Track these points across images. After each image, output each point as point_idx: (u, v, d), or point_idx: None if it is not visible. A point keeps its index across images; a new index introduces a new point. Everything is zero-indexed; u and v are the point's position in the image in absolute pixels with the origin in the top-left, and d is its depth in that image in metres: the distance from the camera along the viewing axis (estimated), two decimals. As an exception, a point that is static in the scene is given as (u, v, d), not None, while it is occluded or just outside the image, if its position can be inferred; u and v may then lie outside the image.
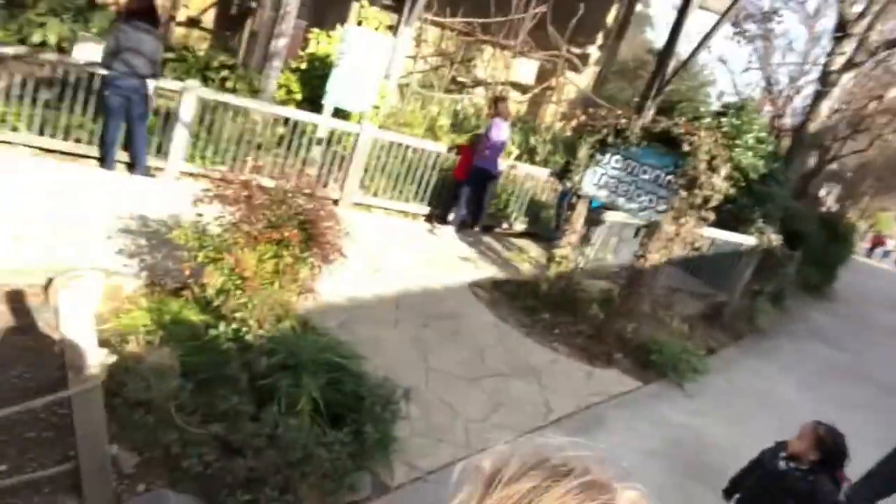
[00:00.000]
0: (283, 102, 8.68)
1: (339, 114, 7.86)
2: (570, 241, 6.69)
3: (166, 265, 4.77)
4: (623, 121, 6.45)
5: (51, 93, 6.44)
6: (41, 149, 6.28)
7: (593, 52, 13.72)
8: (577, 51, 12.89)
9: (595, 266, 7.65)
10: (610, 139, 6.48)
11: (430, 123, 9.83)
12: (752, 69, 18.29)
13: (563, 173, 6.93)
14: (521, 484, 0.63)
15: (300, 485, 3.27)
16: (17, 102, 6.25)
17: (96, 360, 2.93)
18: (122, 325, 4.10)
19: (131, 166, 6.51)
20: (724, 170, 5.98)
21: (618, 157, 6.49)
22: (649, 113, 10.11)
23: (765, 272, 8.65)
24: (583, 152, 6.62)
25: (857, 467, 3.60)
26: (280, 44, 9.06)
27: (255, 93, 8.85)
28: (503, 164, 8.26)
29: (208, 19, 10.72)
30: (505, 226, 8.70)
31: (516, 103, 12.55)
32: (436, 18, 11.31)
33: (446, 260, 6.93)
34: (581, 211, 6.74)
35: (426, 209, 8.07)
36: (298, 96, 8.92)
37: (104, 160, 6.43)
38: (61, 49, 7.47)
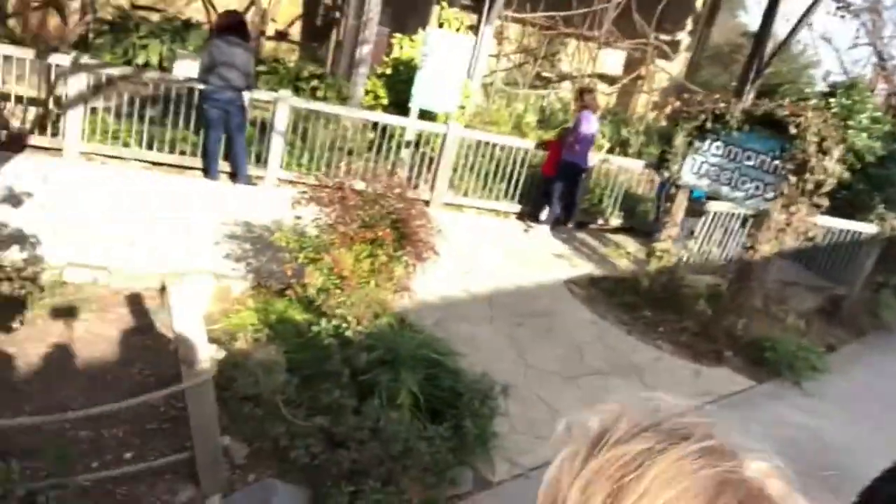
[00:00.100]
0: (371, 108, 8.84)
1: (426, 115, 7.93)
2: (671, 233, 6.42)
3: (270, 268, 4.93)
4: (722, 105, 6.13)
5: (155, 109, 6.82)
6: (150, 162, 6.66)
7: (683, 38, 13.22)
8: (665, 38, 12.46)
9: (699, 260, 7.31)
10: (708, 125, 6.17)
11: (517, 121, 9.75)
12: (861, 45, 17.04)
13: (659, 163, 6.65)
14: (631, 445, 0.56)
15: (402, 477, 3.27)
16: (126, 120, 6.66)
17: (207, 355, 3.05)
18: (231, 325, 4.27)
19: (233, 175, 6.79)
20: (837, 152, 5.56)
21: (718, 143, 6.17)
22: (749, 97, 9.62)
23: (888, 262, 7.99)
24: (679, 140, 6.34)
25: None
26: (364, 51, 9.26)
27: (343, 100, 9.07)
28: (594, 158, 8.06)
29: (295, 32, 11.08)
30: (600, 222, 8.48)
31: (604, 95, 12.25)
32: (516, 15, 11.22)
33: (540, 257, 6.82)
34: (681, 202, 6.45)
35: (517, 207, 7.98)
36: (385, 101, 9.07)
37: (208, 171, 6.74)
38: (162, 68, 7.93)
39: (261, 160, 6.98)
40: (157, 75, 7.01)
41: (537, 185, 7.87)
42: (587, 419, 0.60)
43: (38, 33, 8.92)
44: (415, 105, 7.57)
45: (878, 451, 3.27)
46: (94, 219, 5.17)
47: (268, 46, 10.52)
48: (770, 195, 5.72)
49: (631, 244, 7.90)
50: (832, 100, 9.67)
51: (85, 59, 6.35)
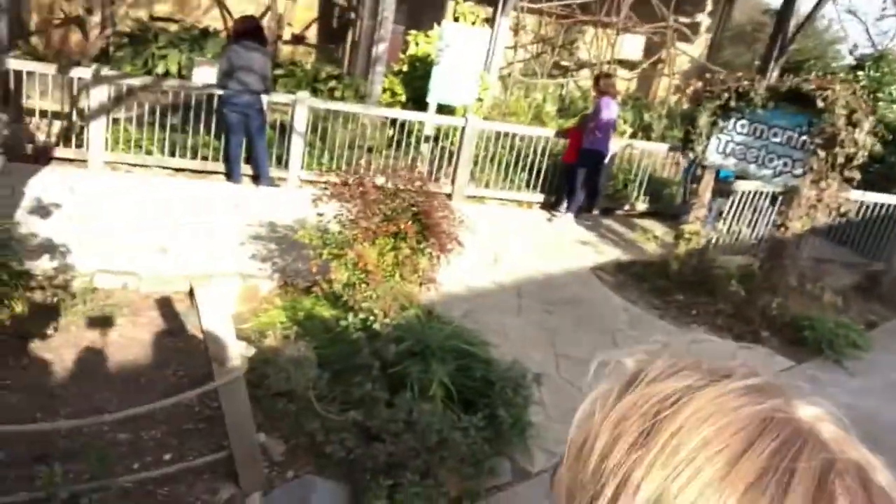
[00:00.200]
0: (389, 105, 8.84)
1: (444, 110, 7.90)
2: (699, 215, 6.30)
3: (296, 266, 4.94)
4: (745, 83, 5.99)
5: (176, 117, 6.89)
6: (173, 169, 6.72)
7: (703, 19, 13.01)
8: (685, 20, 12.27)
9: (729, 240, 7.17)
10: (732, 103, 6.04)
11: (536, 111, 9.67)
12: (889, 16, 16.61)
13: (684, 145, 6.52)
14: (668, 383, 0.52)
15: (439, 469, 3.24)
16: (148, 128, 6.74)
17: (237, 353, 3.06)
18: (260, 324, 4.29)
19: (256, 178, 6.83)
20: (867, 124, 5.41)
21: (743, 121, 6.04)
22: (773, 74, 9.42)
23: (927, 236, 7.76)
24: (703, 120, 6.21)
25: None
26: (380, 49, 9.26)
27: (361, 98, 9.08)
28: (616, 143, 7.95)
29: (312, 35, 11.12)
30: (626, 207, 8.36)
31: (625, 81, 12.11)
32: (532, 5, 11.13)
33: (565, 246, 6.75)
34: (707, 183, 6.33)
35: (540, 197, 7.91)
36: (403, 97, 9.07)
37: (230, 175, 6.79)
38: (181, 76, 8.01)
39: (282, 162, 7.01)
40: (176, 83, 7.08)
41: (559, 173, 7.79)
42: (623, 358, 0.56)
43: (61, 49, 9.08)
44: (432, 99, 7.55)
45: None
46: (121, 226, 5.23)
47: (285, 50, 10.57)
48: (799, 171, 5.59)
49: (658, 228, 7.77)
50: (860, 73, 9.44)
51: (105, 71, 6.44)
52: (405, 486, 3.16)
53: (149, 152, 6.66)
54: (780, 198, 6.07)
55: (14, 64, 6.29)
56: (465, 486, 3.33)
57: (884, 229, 7.82)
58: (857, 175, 5.51)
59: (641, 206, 8.35)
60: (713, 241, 6.48)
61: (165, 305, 4.40)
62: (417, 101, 8.54)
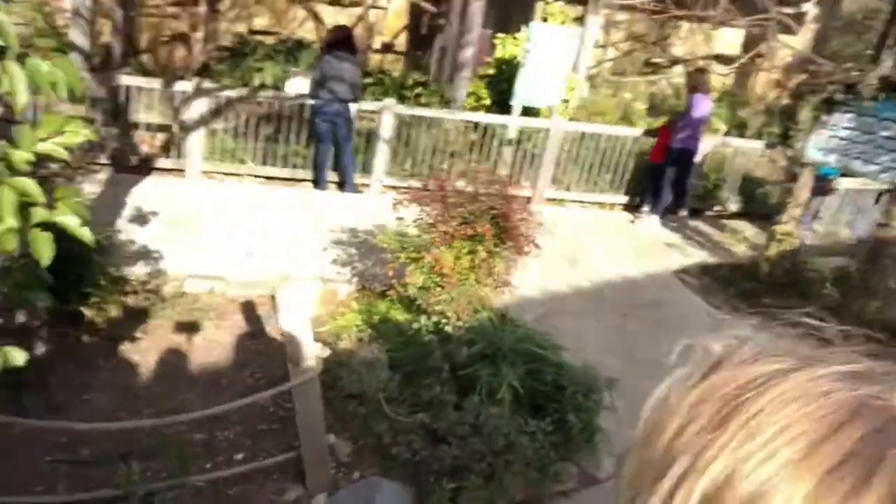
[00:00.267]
0: (473, 109, 8.87)
1: (529, 112, 7.85)
2: (793, 215, 5.94)
3: (374, 271, 5.06)
4: (854, 74, 5.59)
5: (269, 127, 7.23)
6: (265, 177, 7.07)
7: (809, 9, 12.20)
8: (789, 11, 11.55)
9: (825, 242, 6.71)
10: (838, 96, 5.66)
11: (625, 110, 9.42)
12: None
13: (782, 142, 6.18)
14: (755, 367, 0.49)
15: (504, 473, 3.23)
16: (242, 138, 7.11)
17: (312, 354, 3.17)
18: (337, 326, 4.43)
19: (341, 185, 7.06)
20: None
21: (850, 115, 5.64)
22: (886, 64, 8.72)
23: None
24: (805, 115, 5.86)
25: None
26: (467, 54, 9.31)
27: (446, 104, 9.17)
28: (708, 142, 7.62)
29: (401, 42, 11.34)
30: (717, 208, 7.99)
31: (720, 76, 11.56)
32: (624, 2, 10.85)
33: (648, 248, 6.54)
34: (806, 181, 5.96)
35: (623, 198, 7.70)
36: (487, 101, 9.08)
37: (317, 182, 7.05)
38: (276, 87, 8.39)
39: (366, 168, 7.20)
40: (270, 94, 7.43)
41: (644, 174, 7.56)
42: (709, 342, 0.54)
43: (167, 65, 9.74)
44: (516, 102, 7.52)
45: None
46: (212, 232, 5.55)
47: (375, 59, 10.84)
48: (910, 167, 5.16)
49: (749, 229, 7.38)
50: None
51: (206, 84, 6.85)
52: (469, 489, 3.18)
53: (242, 161, 7.03)
54: (886, 196, 5.61)
55: (125, 80, 6.82)
56: (529, 490, 3.31)
57: None
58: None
59: (733, 206, 7.95)
60: (807, 242, 6.08)
61: (249, 309, 4.63)
62: (502, 104, 8.53)
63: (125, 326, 4.10)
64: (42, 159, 1.99)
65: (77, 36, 7.91)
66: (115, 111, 6.93)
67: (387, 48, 11.25)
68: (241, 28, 10.41)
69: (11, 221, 1.78)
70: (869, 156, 5.47)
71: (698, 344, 0.54)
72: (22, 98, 1.74)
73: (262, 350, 4.20)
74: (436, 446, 3.38)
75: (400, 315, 4.47)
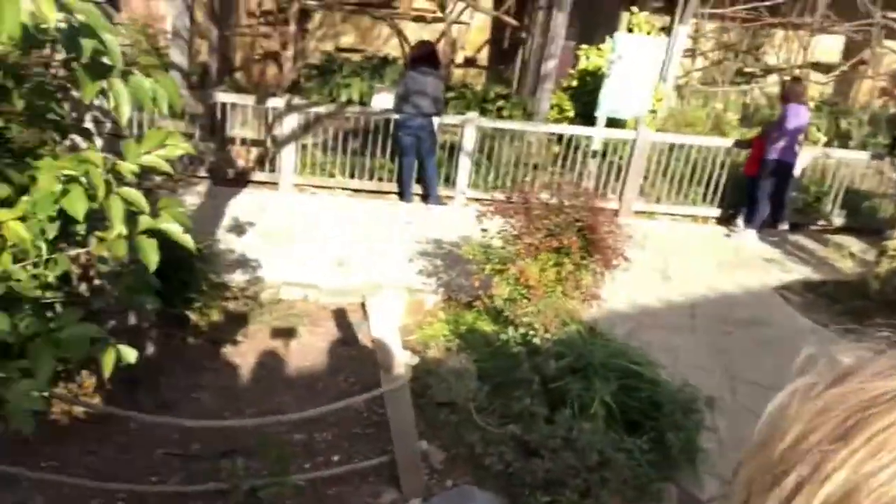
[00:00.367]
0: (557, 121, 8.80)
1: (614, 124, 7.71)
2: (906, 228, 5.56)
3: (460, 282, 5.08)
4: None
5: (356, 141, 7.41)
6: (352, 189, 7.23)
7: (917, 12, 11.49)
8: (895, 15, 10.92)
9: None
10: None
11: (716, 121, 9.12)
12: None
13: (890, 152, 5.80)
14: (888, 381, 0.45)
15: (601, 490, 3.14)
16: (331, 152, 7.31)
17: (402, 361, 3.20)
18: (424, 336, 4.46)
19: (425, 197, 7.13)
20: None
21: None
22: None
23: None
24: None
25: None
26: (549, 66, 9.27)
27: (529, 116, 9.14)
28: (806, 153, 7.25)
29: (483, 57, 11.41)
30: (820, 222, 7.57)
31: (819, 85, 11.03)
32: (714, 11, 10.53)
33: (746, 263, 6.25)
34: (918, 193, 5.57)
35: (716, 211, 7.42)
36: (571, 113, 8.98)
37: (402, 194, 7.16)
38: (362, 103, 8.60)
39: (449, 181, 7.25)
40: (357, 110, 7.62)
41: (740, 186, 7.25)
42: (837, 352, 0.51)
43: (259, 82, 10.16)
44: (601, 113, 7.41)
45: None
46: (305, 242, 5.72)
47: (457, 73, 10.95)
48: None
49: (856, 245, 6.94)
50: None
51: (296, 100, 7.10)
52: (563, 503, 3.11)
53: (331, 175, 7.22)
54: None
55: (221, 97, 7.15)
56: (626, 510, 3.20)
57: None
58: None
59: (837, 220, 7.51)
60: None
61: (341, 316, 4.73)
62: (586, 116, 8.41)
63: (226, 330, 4.29)
64: (147, 171, 2.10)
65: (177, 55, 8.37)
66: (213, 127, 7.28)
67: (469, 62, 11.35)
68: (329, 46, 10.75)
69: (121, 228, 1.87)
70: None
71: (823, 354, 0.52)
72: (126, 112, 1.83)
73: (354, 356, 4.28)
74: (528, 459, 3.33)
75: (487, 326, 4.46)
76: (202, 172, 7.04)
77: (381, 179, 7.27)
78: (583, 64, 9.29)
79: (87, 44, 1.63)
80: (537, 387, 3.68)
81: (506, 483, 3.24)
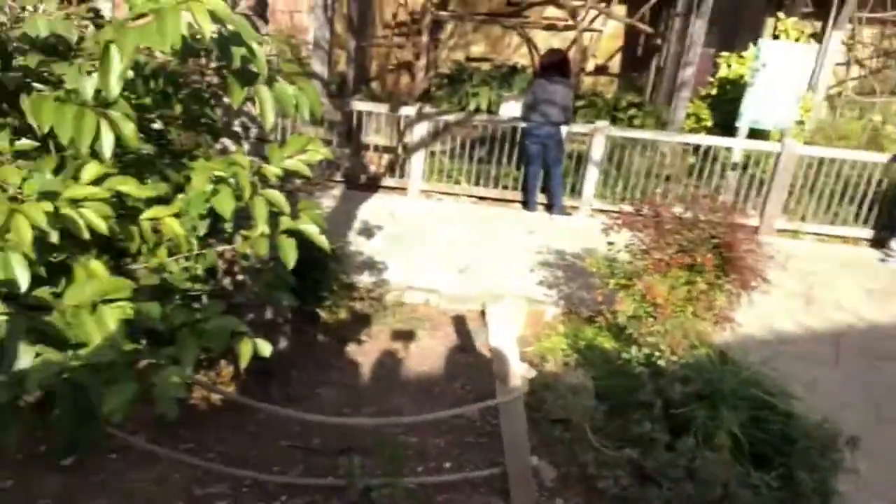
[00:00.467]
0: (693, 131, 8.43)
1: (756, 135, 7.27)
2: None
3: (581, 295, 4.98)
4: None
5: (483, 149, 7.47)
6: (477, 197, 7.31)
7: None
8: None
9: None
10: None
11: (873, 134, 8.34)
12: None
13: None
14: None
15: (722, 527, 2.96)
16: (458, 160, 7.43)
17: (519, 373, 3.17)
18: (542, 348, 4.41)
19: (550, 207, 7.06)
20: None
21: None
22: None
23: None
24: None
25: None
26: (687, 74, 8.89)
27: (663, 125, 8.81)
28: None
29: (615, 64, 11.14)
30: None
31: None
32: (872, 15, 9.65)
33: (903, 291, 5.67)
34: None
35: (869, 233, 6.77)
36: (708, 123, 8.58)
37: (527, 203, 7.13)
38: (490, 111, 8.67)
39: (575, 191, 7.13)
40: (485, 118, 7.69)
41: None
42: None
43: (393, 91, 10.51)
44: (743, 123, 7.01)
45: None
46: (430, 247, 5.84)
47: (587, 81, 10.77)
48: None
49: None
50: None
51: (426, 109, 7.27)
52: (681, 537, 2.96)
53: (457, 182, 7.33)
54: None
55: (357, 105, 7.47)
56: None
57: None
58: None
59: None
60: None
61: (460, 322, 4.79)
62: (725, 126, 7.99)
63: (352, 329, 4.47)
64: (288, 175, 2.21)
65: (317, 65, 8.85)
66: (349, 133, 7.62)
67: (600, 70, 11.12)
68: (460, 56, 10.94)
69: (264, 227, 1.99)
70: None
71: None
72: (270, 117, 1.93)
73: (471, 363, 4.31)
74: (645, 485, 3.20)
75: (608, 343, 4.33)
76: (338, 177, 7.40)
77: (505, 187, 7.29)
78: (723, 72, 8.85)
79: (237, 51, 1.74)
80: (659, 411, 3.52)
81: (620, 508, 3.13)
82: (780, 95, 6.89)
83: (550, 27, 10.80)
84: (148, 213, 1.96)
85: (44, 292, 1.64)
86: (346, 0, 9.69)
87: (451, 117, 7.41)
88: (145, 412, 1.69)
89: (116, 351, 1.56)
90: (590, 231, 5.16)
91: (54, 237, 1.56)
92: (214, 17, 1.56)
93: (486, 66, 10.50)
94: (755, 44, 7.57)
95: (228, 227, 2.29)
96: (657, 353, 3.84)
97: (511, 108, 7.54)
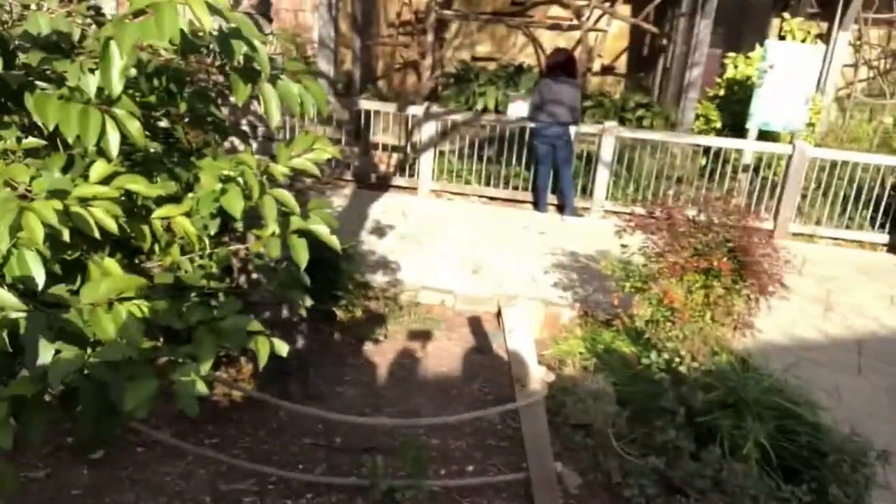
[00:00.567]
0: (702, 132, 8.36)
1: (766, 136, 7.18)
2: None
3: (597, 297, 4.89)
4: None
5: (491, 149, 7.38)
6: (488, 197, 7.21)
7: None
8: None
9: None
10: None
11: (884, 136, 8.28)
12: None
13: None
14: None
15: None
16: (467, 160, 7.33)
17: (538, 376, 3.09)
18: (559, 351, 4.33)
19: (561, 208, 6.97)
20: None
21: None
22: None
23: None
24: None
25: None
26: (694, 74, 8.83)
27: (671, 126, 8.74)
28: None
29: (621, 64, 11.07)
30: None
31: None
32: (879, 16, 9.60)
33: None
34: None
35: (886, 238, 6.66)
36: (718, 124, 8.50)
37: (537, 204, 7.03)
38: (497, 111, 8.58)
39: (586, 192, 7.04)
40: (492, 118, 7.59)
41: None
42: None
43: (400, 90, 10.42)
44: (753, 125, 6.93)
45: None
46: (442, 247, 5.76)
47: (594, 82, 10.69)
48: None
49: None
50: None
51: (434, 108, 7.17)
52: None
53: (467, 182, 7.23)
54: None
55: (364, 104, 7.37)
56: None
57: None
58: None
59: None
60: None
61: (476, 323, 4.71)
62: (735, 127, 7.92)
63: (368, 328, 4.42)
64: (297, 174, 2.14)
65: (323, 64, 8.75)
66: (357, 132, 7.52)
67: (606, 70, 11.05)
68: (466, 55, 10.85)
69: (274, 227, 1.95)
70: None
71: None
72: (275, 115, 1.90)
73: (488, 365, 4.25)
74: (671, 495, 3.11)
75: (626, 347, 4.23)
76: (348, 176, 7.30)
77: (515, 188, 7.20)
78: (730, 72, 8.78)
79: (238, 48, 1.70)
80: (681, 419, 3.42)
81: (646, 518, 3.03)
82: (788, 97, 6.81)
83: (555, 27, 10.73)
84: (159, 212, 1.92)
85: (60, 289, 1.63)
86: (351, -1, 9.59)
87: (458, 117, 7.31)
88: (170, 408, 1.67)
89: (133, 348, 1.55)
90: (602, 233, 5.08)
91: (66, 235, 1.53)
92: (213, 10, 1.52)
93: (492, 66, 10.42)
94: (761, 44, 7.49)
95: (240, 225, 2.25)
96: (677, 359, 3.74)
97: (518, 108, 7.44)
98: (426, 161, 7.10)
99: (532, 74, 9.79)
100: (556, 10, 10.58)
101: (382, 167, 7.50)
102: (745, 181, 6.97)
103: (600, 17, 10.32)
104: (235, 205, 1.86)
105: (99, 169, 1.75)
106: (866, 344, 4.65)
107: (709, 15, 8.76)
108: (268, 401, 3.07)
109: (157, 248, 2.04)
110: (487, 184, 7.20)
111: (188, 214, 1.97)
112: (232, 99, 2.49)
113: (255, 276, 3.34)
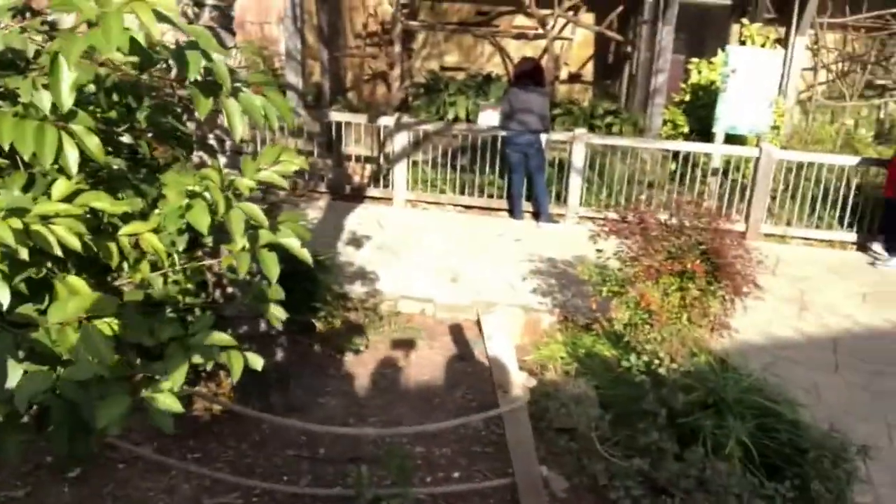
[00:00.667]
0: (670, 137, 8.48)
1: (733, 140, 7.31)
2: None
3: (576, 302, 4.90)
4: None
5: (465, 158, 7.38)
6: (463, 206, 7.21)
7: None
8: None
9: None
10: None
11: (846, 138, 8.48)
12: None
13: None
14: None
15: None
16: (441, 169, 7.33)
17: (519, 382, 3.09)
18: (541, 356, 4.33)
19: (536, 215, 6.99)
20: None
21: None
22: None
23: None
24: None
25: None
26: (659, 80, 8.97)
27: (640, 132, 8.84)
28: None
29: (587, 72, 11.19)
30: None
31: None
32: (833, 21, 9.86)
33: (894, 295, 5.66)
34: None
35: (854, 236, 6.80)
36: (685, 129, 8.63)
37: (512, 211, 7.05)
38: (469, 120, 8.60)
39: (560, 198, 7.08)
40: (464, 127, 7.61)
41: (882, 209, 6.62)
42: None
43: (370, 101, 10.39)
44: (719, 129, 7.03)
45: None
46: (419, 257, 5.74)
47: (562, 90, 10.79)
48: None
49: None
50: None
51: (405, 119, 7.16)
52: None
53: (442, 191, 7.22)
54: None
55: (335, 116, 7.33)
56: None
57: None
58: None
59: None
60: None
61: (457, 331, 4.70)
62: (702, 131, 8.05)
63: (348, 339, 4.37)
64: (269, 187, 2.11)
65: (291, 76, 8.70)
66: (329, 144, 7.46)
67: (574, 78, 11.17)
68: (434, 65, 10.87)
69: (242, 241, 1.93)
70: None
71: None
72: (238, 128, 1.87)
73: (470, 372, 4.23)
74: (657, 496, 3.11)
75: (606, 350, 4.24)
76: (322, 188, 7.23)
77: (490, 196, 7.21)
78: (694, 78, 8.94)
79: (196, 59, 1.68)
80: (663, 420, 3.43)
81: (634, 521, 3.02)
82: (752, 100, 6.93)
83: (521, 36, 10.82)
84: (126, 229, 1.90)
85: (28, 309, 1.61)
86: (316, 10, 9.55)
87: (430, 127, 7.31)
88: (151, 424, 1.65)
89: (103, 366, 1.53)
90: (578, 238, 5.09)
91: (24, 254, 1.51)
92: (161, 18, 1.51)
93: (461, 76, 10.45)
94: (723, 49, 7.63)
95: (209, 241, 2.21)
96: (657, 361, 3.76)
97: (489, 117, 7.47)
98: (400, 171, 7.07)
99: (501, 83, 9.84)
100: (521, 20, 10.67)
101: (356, 178, 7.45)
102: (715, 184, 7.07)
103: (564, 25, 10.44)
104: (202, 220, 1.85)
105: (61, 187, 1.73)
106: (841, 341, 4.72)
107: (670, 21, 8.92)
108: (249, 414, 3.03)
109: (125, 265, 2.00)
110: (462, 192, 7.19)
111: (156, 231, 1.95)
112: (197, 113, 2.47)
113: (230, 290, 3.28)
